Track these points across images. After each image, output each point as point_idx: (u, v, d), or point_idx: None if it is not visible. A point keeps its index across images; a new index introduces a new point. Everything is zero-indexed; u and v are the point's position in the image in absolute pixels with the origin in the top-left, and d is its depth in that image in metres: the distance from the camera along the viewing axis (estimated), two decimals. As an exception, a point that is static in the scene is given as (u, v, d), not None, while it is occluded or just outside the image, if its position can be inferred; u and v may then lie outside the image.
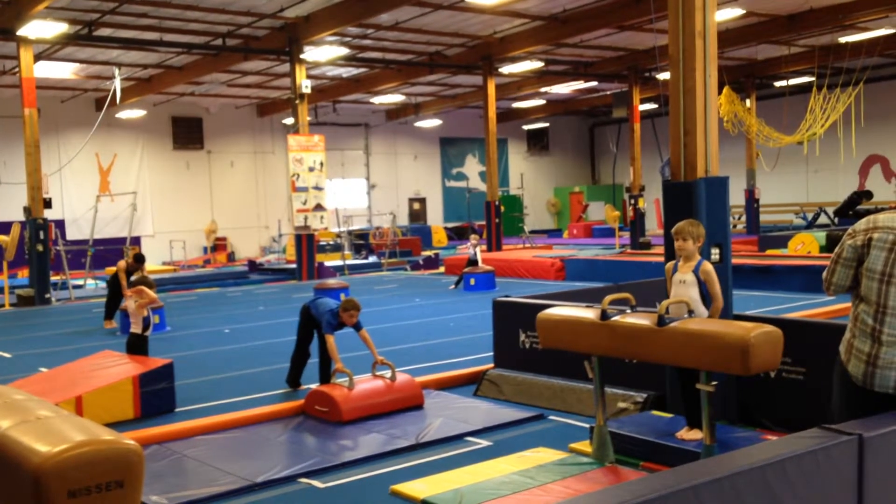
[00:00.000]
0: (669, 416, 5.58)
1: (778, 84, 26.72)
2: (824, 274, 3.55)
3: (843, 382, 3.49)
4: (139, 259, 11.86)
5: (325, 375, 7.23)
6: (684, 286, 5.04)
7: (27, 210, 16.19)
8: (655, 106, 27.64)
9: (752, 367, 4.06)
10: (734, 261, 6.77)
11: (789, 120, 22.23)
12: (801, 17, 19.02)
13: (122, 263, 11.82)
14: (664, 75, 20.30)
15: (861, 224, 3.46)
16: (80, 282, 18.70)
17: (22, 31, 15.03)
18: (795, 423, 4.77)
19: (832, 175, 28.41)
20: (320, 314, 7.09)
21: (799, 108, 22.07)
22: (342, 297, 7.12)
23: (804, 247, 16.81)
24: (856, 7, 17.78)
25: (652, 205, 30.06)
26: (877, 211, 3.56)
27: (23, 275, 18.94)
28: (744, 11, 17.59)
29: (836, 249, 3.50)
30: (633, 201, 23.64)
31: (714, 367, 4.26)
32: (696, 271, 5.03)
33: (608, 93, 27.57)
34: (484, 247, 20.96)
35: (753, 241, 20.30)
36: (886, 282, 3.33)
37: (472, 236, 17.00)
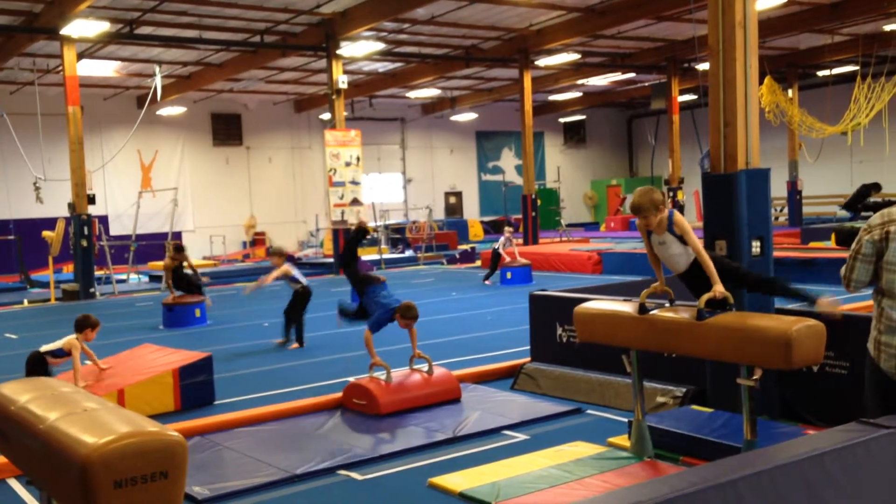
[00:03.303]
0: (709, 410, 5.52)
1: (821, 73, 26.20)
2: (842, 271, 3.55)
3: (876, 380, 3.49)
4: (178, 249, 11.94)
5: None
6: (665, 247, 4.87)
7: (71, 206, 16.52)
8: (695, 97, 27.30)
9: (795, 362, 3.99)
10: (776, 253, 6.67)
11: (833, 110, 21.79)
12: (844, 6, 18.62)
13: (167, 262, 11.95)
14: (704, 66, 20.03)
15: (876, 219, 3.47)
16: (124, 276, 19.04)
17: (65, 31, 15.32)
18: (839, 418, 4.68)
19: (877, 166, 27.77)
20: (374, 307, 6.95)
21: (842, 97, 21.62)
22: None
23: (848, 239, 16.46)
24: (901, -6, 17.37)
25: (691, 197, 29.69)
26: (886, 203, 3.60)
27: (68, 270, 19.34)
28: (786, 0, 17.26)
29: (854, 246, 3.50)
30: (671, 194, 23.35)
31: (755, 361, 4.20)
32: (671, 230, 4.82)
33: (646, 84, 27.26)
34: (520, 240, 20.86)
35: (796, 234, 19.96)
36: None
37: (507, 228, 16.89)
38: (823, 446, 2.73)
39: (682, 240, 4.78)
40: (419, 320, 6.88)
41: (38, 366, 6.89)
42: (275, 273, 9.98)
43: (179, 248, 11.95)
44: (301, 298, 9.75)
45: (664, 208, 4.81)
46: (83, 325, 6.96)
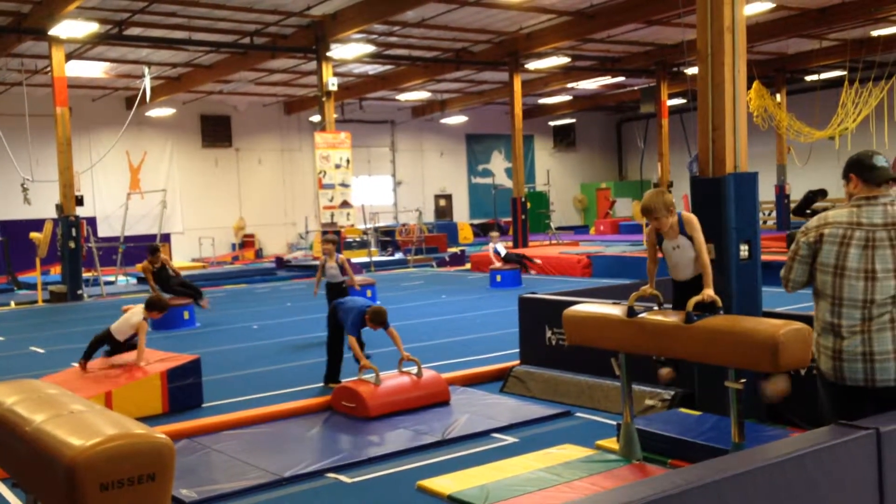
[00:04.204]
0: (697, 413, 5.54)
1: (809, 78, 26.35)
2: (782, 272, 3.67)
3: (823, 382, 3.63)
4: (152, 251, 11.31)
5: (334, 372, 7.46)
6: (680, 251, 4.87)
7: (59, 207, 16.43)
8: (684, 101, 27.41)
9: (782, 365, 4.02)
10: (764, 257, 6.70)
11: (821, 115, 21.92)
12: (832, 11, 18.74)
13: (145, 264, 11.49)
14: (693, 70, 20.14)
15: (813, 222, 3.59)
16: (112, 278, 18.96)
17: (53, 31, 15.24)
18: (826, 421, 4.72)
19: (864, 170, 27.91)
20: (346, 314, 7.16)
21: (830, 102, 21.75)
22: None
23: (835, 243, 16.50)
24: (888, 0, 17.48)
25: (680, 200, 29.80)
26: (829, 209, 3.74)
27: (55, 271, 19.25)
28: (774, 5, 17.35)
29: (792, 247, 3.63)
30: (660, 197, 23.33)
31: (743, 364, 4.22)
32: (683, 232, 4.81)
33: (636, 88, 27.36)
34: (509, 243, 20.90)
35: (784, 238, 20.05)
36: (840, 275, 3.46)
37: (492, 233, 16.97)
38: (803, 448, 2.77)
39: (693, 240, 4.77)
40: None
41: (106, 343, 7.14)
42: (337, 264, 9.78)
43: (154, 250, 11.23)
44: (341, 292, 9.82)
45: (675, 210, 4.83)
46: (154, 306, 7.21)
